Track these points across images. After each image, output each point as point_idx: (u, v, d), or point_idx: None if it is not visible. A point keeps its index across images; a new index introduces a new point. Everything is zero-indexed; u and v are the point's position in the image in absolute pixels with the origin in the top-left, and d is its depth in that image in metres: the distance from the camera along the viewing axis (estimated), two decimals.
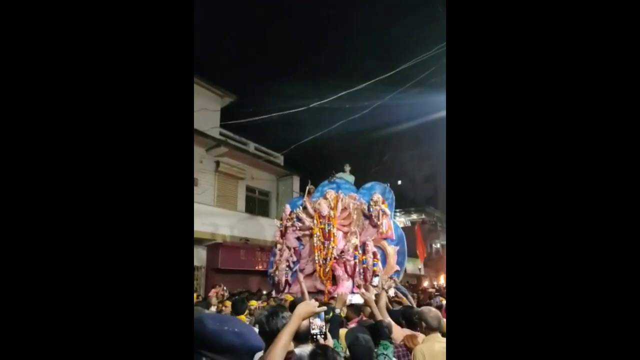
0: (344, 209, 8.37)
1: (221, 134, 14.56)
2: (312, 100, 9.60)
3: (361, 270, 7.70)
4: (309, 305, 1.70)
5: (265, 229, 14.45)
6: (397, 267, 7.89)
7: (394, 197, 8.41)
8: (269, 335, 1.76)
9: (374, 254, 7.76)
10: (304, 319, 1.72)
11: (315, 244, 8.01)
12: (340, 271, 7.75)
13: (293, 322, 1.61)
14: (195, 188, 13.20)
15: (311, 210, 8.39)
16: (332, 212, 8.20)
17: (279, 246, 8.63)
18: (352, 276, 7.74)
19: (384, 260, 7.99)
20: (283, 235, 8.62)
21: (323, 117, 11.09)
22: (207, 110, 13.73)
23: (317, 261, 7.93)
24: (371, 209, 8.08)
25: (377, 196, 8.09)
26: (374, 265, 7.67)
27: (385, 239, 8.14)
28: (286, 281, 8.28)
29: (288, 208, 8.80)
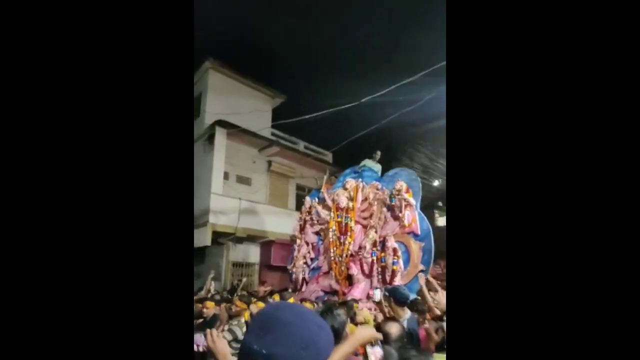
0: (364, 199, 7.46)
1: (273, 134, 14.49)
2: (362, 95, 8.91)
3: (379, 269, 6.72)
4: (371, 332, 1.45)
5: None
6: (422, 267, 6.76)
7: (420, 185, 7.28)
8: None
9: (394, 250, 6.74)
10: (361, 345, 1.54)
11: (331, 239, 7.22)
12: (355, 270, 6.85)
13: (350, 345, 1.31)
14: (248, 187, 13.45)
15: (329, 202, 7.62)
16: (350, 204, 7.35)
17: (298, 241, 7.97)
18: (369, 276, 6.79)
19: (408, 258, 6.91)
20: (302, 229, 7.95)
21: (374, 111, 10.37)
22: (259, 111, 13.86)
23: (332, 258, 7.12)
24: (393, 199, 7.07)
25: (401, 184, 7.05)
26: (393, 263, 6.65)
27: (409, 233, 7.06)
28: (303, 279, 7.58)
29: (308, 200, 8.10)
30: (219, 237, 11.36)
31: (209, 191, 10.97)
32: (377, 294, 4.85)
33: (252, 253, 12.80)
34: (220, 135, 11.77)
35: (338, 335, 1.81)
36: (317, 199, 7.97)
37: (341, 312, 1.98)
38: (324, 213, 7.56)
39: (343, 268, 6.96)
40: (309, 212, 7.79)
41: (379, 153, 8.08)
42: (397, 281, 6.64)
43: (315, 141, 15.69)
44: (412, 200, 7.01)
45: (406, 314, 3.47)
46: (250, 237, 12.28)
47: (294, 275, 7.71)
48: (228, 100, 13.17)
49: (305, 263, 7.66)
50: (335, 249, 7.13)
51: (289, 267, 8.02)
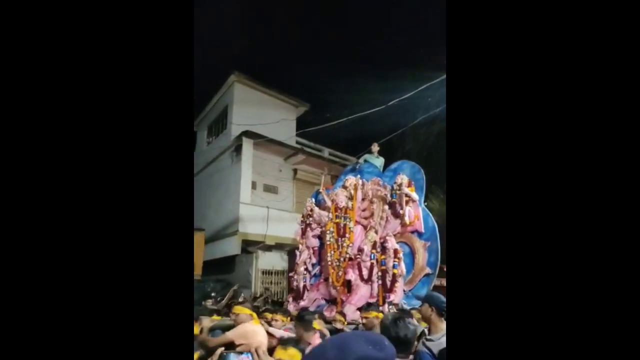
0: (365, 198, 6.82)
1: (297, 142, 14.33)
2: (388, 99, 8.41)
3: (379, 274, 6.03)
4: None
5: None
6: (428, 270, 6.00)
7: (424, 178, 6.52)
8: (396, 341, 1.68)
9: (395, 252, 6.03)
10: None
11: (329, 242, 6.62)
12: (352, 275, 6.21)
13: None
14: (275, 196, 13.38)
15: (329, 203, 7.04)
16: (350, 203, 6.73)
17: (300, 247, 7.43)
18: (367, 281, 6.11)
19: (412, 261, 6.16)
20: (303, 233, 7.42)
21: (400, 115, 9.79)
22: (284, 120, 13.87)
23: (330, 262, 6.51)
24: (395, 195, 6.38)
25: (402, 178, 6.35)
26: (393, 266, 5.94)
27: (413, 232, 6.32)
28: (304, 287, 7.02)
29: (308, 202, 7.56)
30: (248, 246, 11.36)
31: (237, 201, 11.07)
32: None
33: (281, 260, 12.61)
34: (247, 146, 11.89)
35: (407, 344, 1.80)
36: (314, 200, 7.43)
37: (412, 321, 1.99)
38: (322, 214, 6.99)
39: (341, 273, 6.33)
40: (310, 215, 7.24)
41: (376, 145, 7.41)
42: (399, 287, 5.93)
43: (341, 147, 15.24)
44: (414, 195, 6.28)
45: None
46: (279, 245, 12.13)
47: (294, 283, 7.17)
48: (254, 111, 13.36)
49: (306, 269, 7.10)
50: (333, 252, 6.52)
51: (291, 274, 7.49)
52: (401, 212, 6.16)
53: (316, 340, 2.77)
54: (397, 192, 6.27)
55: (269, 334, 3.15)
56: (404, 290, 6.04)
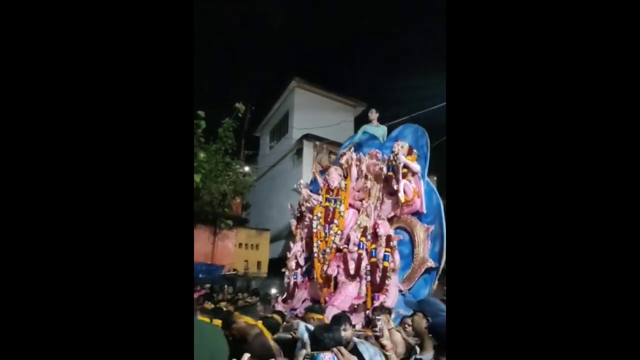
0: (360, 176, 5.48)
1: None
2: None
3: (368, 268, 4.67)
4: None
5: None
6: (430, 262, 4.50)
7: (428, 143, 5.02)
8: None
9: (388, 239, 4.64)
10: None
11: (315, 230, 5.38)
12: (333, 269, 4.90)
13: None
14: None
15: (321, 184, 5.82)
16: (343, 183, 5.46)
17: (296, 238, 6.22)
18: (355, 277, 4.77)
19: (411, 251, 4.71)
20: (298, 223, 6.23)
21: None
22: (343, 121, 14.29)
23: (315, 255, 5.27)
24: (391, 167, 4.98)
25: (400, 145, 4.95)
26: (384, 258, 4.55)
27: (414, 214, 4.85)
28: (295, 284, 5.81)
29: (304, 187, 6.33)
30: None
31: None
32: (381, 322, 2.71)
33: None
34: (307, 148, 12.44)
35: None
36: (301, 183, 6.25)
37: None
38: (313, 198, 5.78)
39: (325, 267, 5.05)
40: (307, 201, 6.04)
41: (374, 112, 6.00)
42: (393, 285, 4.52)
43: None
44: (414, 166, 4.84)
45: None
46: None
47: (285, 279, 5.99)
48: (314, 114, 14.07)
49: (297, 264, 5.89)
50: (320, 242, 5.27)
51: (283, 269, 6.33)
52: (395, 187, 4.73)
53: None
54: (394, 163, 4.87)
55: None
56: (401, 290, 4.60)
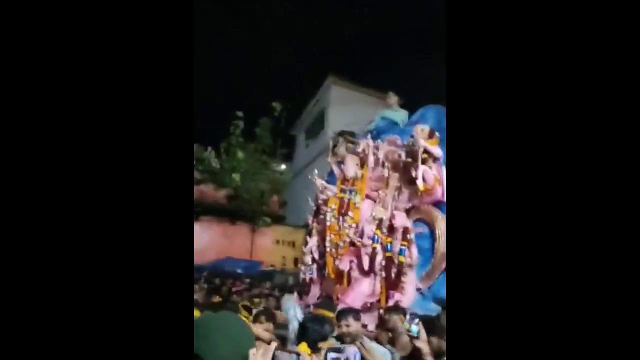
0: (377, 164, 5.03)
1: None
2: None
3: (383, 263, 4.23)
4: None
5: None
6: None
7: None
8: None
9: (405, 231, 4.17)
10: None
11: (329, 223, 5.00)
12: (345, 264, 4.49)
13: None
14: None
15: (338, 174, 5.42)
16: (359, 173, 5.03)
17: (312, 232, 5.84)
18: (369, 273, 4.34)
19: (432, 245, 4.21)
20: (316, 216, 5.85)
21: None
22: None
23: (328, 249, 4.89)
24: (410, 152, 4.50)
25: (420, 128, 4.46)
26: (400, 252, 4.09)
27: (435, 204, 4.34)
28: (311, 279, 5.43)
29: (319, 178, 5.94)
30: None
31: None
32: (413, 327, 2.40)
33: None
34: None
35: None
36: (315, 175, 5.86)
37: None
38: (328, 189, 5.39)
39: (338, 263, 4.65)
40: (322, 192, 5.65)
41: (393, 95, 5.48)
42: (410, 282, 4.07)
43: None
44: (436, 151, 4.33)
45: None
46: None
47: (301, 275, 5.62)
48: (350, 110, 13.81)
49: (313, 259, 5.51)
50: (333, 236, 4.87)
51: (299, 264, 5.96)
52: (414, 174, 4.25)
53: None
54: (413, 148, 4.38)
55: None
56: (419, 288, 4.12)
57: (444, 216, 4.16)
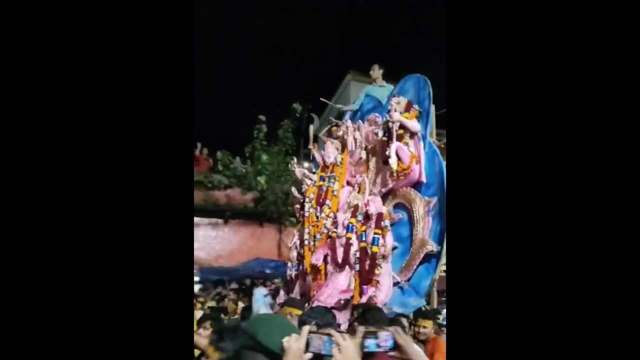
0: (357, 146, 4.54)
1: None
2: None
3: (357, 254, 3.75)
4: None
5: None
6: (432, 245, 3.46)
7: (431, 95, 3.93)
8: None
9: (379, 218, 3.68)
10: None
11: (307, 214, 4.56)
12: (317, 257, 4.05)
13: None
14: None
15: (320, 161, 4.97)
16: (339, 158, 4.57)
17: (298, 225, 5.39)
18: (343, 265, 3.88)
19: (410, 232, 3.69)
20: (302, 209, 5.41)
21: None
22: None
23: (306, 242, 4.45)
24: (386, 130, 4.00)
25: (397, 101, 3.95)
26: (373, 242, 3.61)
27: (414, 186, 3.81)
28: (297, 275, 4.99)
29: (296, 166, 5.48)
30: None
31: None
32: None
33: None
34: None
35: None
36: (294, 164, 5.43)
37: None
38: (308, 178, 4.94)
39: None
40: (303, 182, 5.19)
41: (377, 68, 4.92)
42: (385, 275, 3.58)
43: None
44: (412, 124, 3.81)
45: None
46: None
47: (287, 271, 5.20)
48: None
49: (299, 253, 5.07)
50: (311, 227, 4.43)
51: (285, 260, 5.54)
52: (387, 153, 3.75)
53: None
54: (389, 122, 3.88)
55: None
56: (399, 282, 3.60)
57: (423, 198, 3.62)
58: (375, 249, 3.55)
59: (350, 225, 3.87)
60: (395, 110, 3.81)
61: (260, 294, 4.29)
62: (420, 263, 3.51)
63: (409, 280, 3.56)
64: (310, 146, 5.20)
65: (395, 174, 3.74)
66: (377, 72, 4.92)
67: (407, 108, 3.88)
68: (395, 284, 3.61)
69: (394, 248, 3.71)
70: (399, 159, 3.69)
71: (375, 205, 3.75)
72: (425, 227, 3.53)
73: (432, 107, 3.90)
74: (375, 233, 3.61)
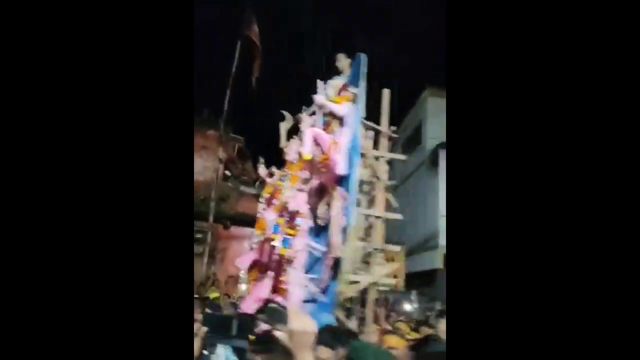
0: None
1: None
2: None
3: (275, 257, 3.29)
4: None
5: None
6: (337, 249, 2.83)
7: (365, 71, 3.28)
8: None
9: (292, 216, 3.19)
10: None
11: (259, 216, 4.18)
12: (242, 264, 3.64)
13: None
14: None
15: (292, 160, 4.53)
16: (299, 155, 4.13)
17: None
18: (265, 271, 3.42)
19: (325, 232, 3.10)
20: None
21: None
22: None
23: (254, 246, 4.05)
24: (324, 119, 3.49)
25: (332, 84, 3.43)
26: (283, 244, 3.13)
27: (338, 180, 3.22)
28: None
29: (261, 166, 5.05)
30: None
31: (437, 214, 10.51)
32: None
33: None
34: (443, 158, 11.57)
35: None
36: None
37: None
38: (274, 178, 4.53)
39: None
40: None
41: (342, 58, 4.21)
42: (294, 283, 3.06)
43: None
44: (338, 109, 3.25)
45: None
46: None
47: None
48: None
49: None
50: (260, 230, 4.02)
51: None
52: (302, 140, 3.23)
53: None
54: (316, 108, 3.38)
55: None
56: (317, 293, 3.01)
57: (343, 193, 3.00)
58: (282, 250, 3.03)
59: (276, 226, 3.40)
60: (322, 96, 3.29)
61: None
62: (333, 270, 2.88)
63: (324, 292, 2.95)
64: (282, 145, 4.77)
65: (319, 167, 3.19)
66: (343, 61, 4.35)
67: (340, 90, 3.32)
68: (312, 300, 3.00)
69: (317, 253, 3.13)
70: (320, 146, 3.14)
71: (296, 202, 3.23)
72: (337, 226, 2.90)
73: (363, 88, 3.24)
74: (287, 233, 3.10)
